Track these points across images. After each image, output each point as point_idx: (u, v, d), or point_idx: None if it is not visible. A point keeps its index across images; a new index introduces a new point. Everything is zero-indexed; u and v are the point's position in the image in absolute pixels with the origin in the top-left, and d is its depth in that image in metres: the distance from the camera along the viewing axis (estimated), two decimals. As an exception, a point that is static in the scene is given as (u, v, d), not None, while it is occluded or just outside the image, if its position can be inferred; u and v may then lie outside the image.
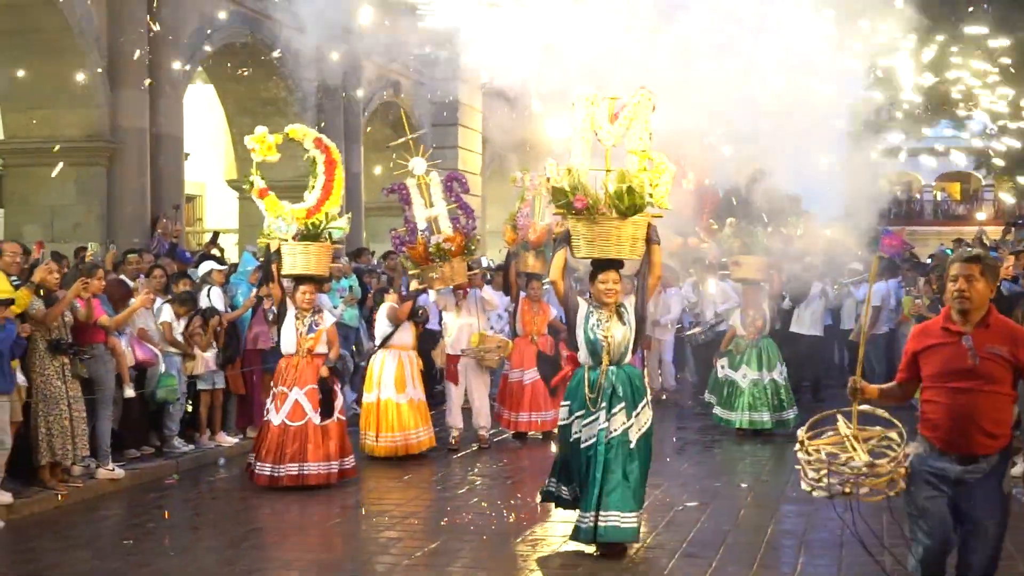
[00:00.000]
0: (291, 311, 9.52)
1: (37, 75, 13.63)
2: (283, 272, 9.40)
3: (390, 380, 10.78)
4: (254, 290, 11.55)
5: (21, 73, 13.54)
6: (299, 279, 9.48)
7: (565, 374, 7.15)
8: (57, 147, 13.45)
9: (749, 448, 11.29)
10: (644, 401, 6.63)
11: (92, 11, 12.72)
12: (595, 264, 6.75)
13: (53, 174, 13.66)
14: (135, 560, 6.98)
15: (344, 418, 9.80)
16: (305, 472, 9.13)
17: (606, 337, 6.57)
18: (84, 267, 9.77)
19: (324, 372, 9.43)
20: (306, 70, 15.71)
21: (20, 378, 8.49)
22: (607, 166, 6.65)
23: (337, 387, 9.78)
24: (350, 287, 13.40)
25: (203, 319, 10.74)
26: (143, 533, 7.86)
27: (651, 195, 6.55)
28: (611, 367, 6.59)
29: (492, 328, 12.22)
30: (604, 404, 6.50)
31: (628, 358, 6.74)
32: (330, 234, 9.52)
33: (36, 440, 8.72)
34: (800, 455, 4.74)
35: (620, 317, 6.65)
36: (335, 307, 12.97)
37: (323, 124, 17.16)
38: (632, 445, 6.47)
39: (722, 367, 12.27)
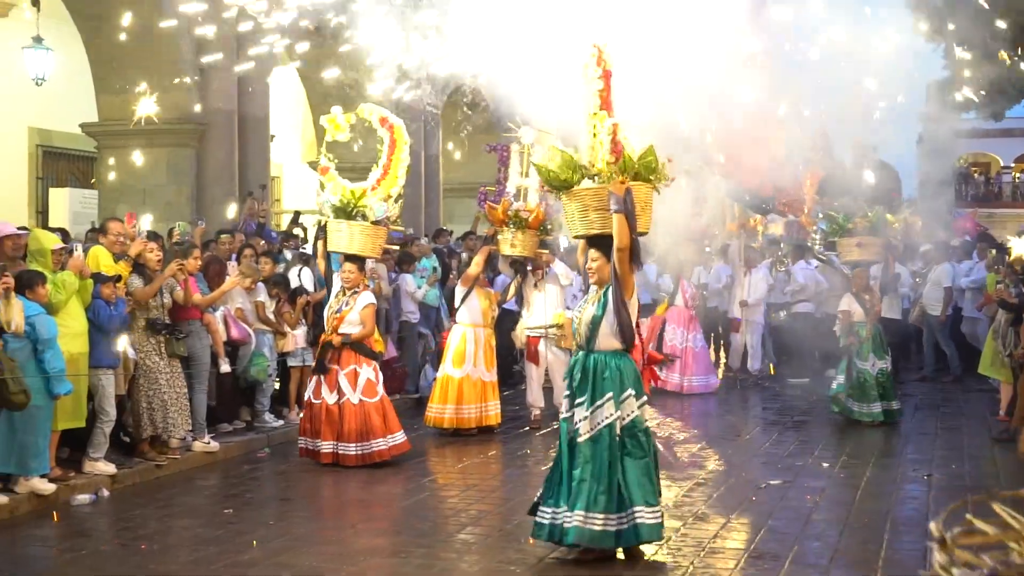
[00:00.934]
0: (335, 288, 9.72)
1: (130, 59, 13.96)
2: (328, 248, 9.67)
3: (450, 355, 11.06)
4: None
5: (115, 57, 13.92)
6: (346, 257, 9.60)
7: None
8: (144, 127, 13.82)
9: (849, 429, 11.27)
10: (608, 396, 6.12)
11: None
12: (588, 241, 6.46)
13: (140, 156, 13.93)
14: (235, 528, 7.31)
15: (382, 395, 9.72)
16: (340, 452, 9.25)
17: (579, 317, 6.35)
18: (180, 249, 10.17)
19: (335, 340, 9.38)
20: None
21: (131, 352, 8.86)
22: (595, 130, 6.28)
23: (361, 367, 9.55)
24: (433, 268, 13.63)
25: (291, 298, 11.13)
26: (241, 503, 8.18)
27: (591, 165, 6.30)
28: (580, 352, 6.36)
29: (568, 308, 11.92)
30: (568, 393, 6.34)
31: (600, 343, 6.21)
32: (364, 214, 9.49)
33: (138, 414, 9.17)
34: (938, 557, 4.46)
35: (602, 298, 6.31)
36: (419, 287, 13.39)
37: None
38: (580, 440, 6.09)
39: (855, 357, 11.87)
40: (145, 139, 13.89)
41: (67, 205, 14.66)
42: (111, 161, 14.35)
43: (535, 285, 11.45)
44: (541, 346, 11.34)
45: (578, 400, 6.16)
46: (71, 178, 16.77)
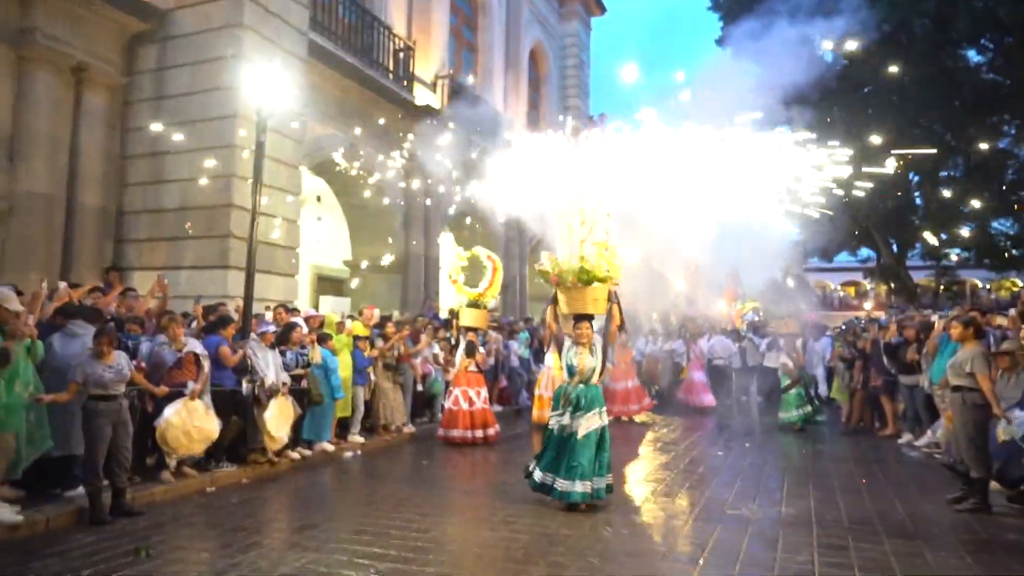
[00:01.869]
0: (462, 345, 9.82)
1: (368, 227, 14.76)
2: (460, 324, 9.92)
3: (543, 383, 11.04)
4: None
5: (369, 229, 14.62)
6: (468, 328, 9.83)
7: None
8: (377, 263, 14.35)
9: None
10: (596, 410, 6.05)
11: (399, 191, 13.70)
12: (575, 317, 6.28)
13: (361, 280, 14.89)
14: (429, 476, 7.89)
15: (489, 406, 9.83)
16: (476, 435, 9.33)
17: (579, 364, 6.14)
18: (413, 330, 10.74)
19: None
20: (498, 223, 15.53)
21: (372, 378, 9.56)
22: (581, 252, 6.21)
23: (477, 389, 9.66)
24: (526, 337, 13.86)
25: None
26: (427, 464, 8.37)
27: (608, 272, 6.15)
28: (579, 384, 6.11)
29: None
30: (570, 408, 6.06)
31: (595, 379, 6.17)
32: (484, 304, 9.93)
33: (377, 410, 9.71)
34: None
35: (591, 351, 6.17)
36: (519, 347, 13.59)
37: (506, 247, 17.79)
38: (579, 436, 5.93)
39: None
40: (377, 269, 14.44)
41: (331, 304, 14.67)
42: (354, 283, 14.34)
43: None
44: None
45: (576, 412, 6.00)
46: (332, 289, 17.69)
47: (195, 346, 6.99)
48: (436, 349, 11.18)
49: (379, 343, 9.81)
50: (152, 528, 5.44)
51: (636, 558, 4.80)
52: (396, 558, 4.69)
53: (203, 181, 9.64)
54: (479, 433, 9.38)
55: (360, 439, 9.21)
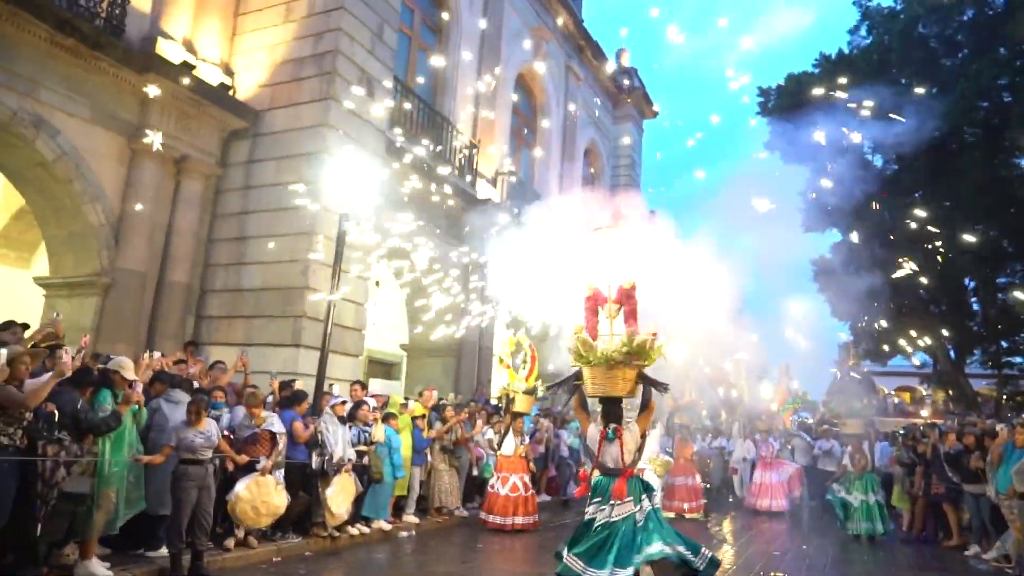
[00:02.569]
0: (511, 433, 10.02)
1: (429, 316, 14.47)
2: (513, 409, 10.12)
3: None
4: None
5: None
6: (518, 414, 10.14)
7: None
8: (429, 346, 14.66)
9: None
10: (629, 499, 5.22)
11: (459, 279, 14.07)
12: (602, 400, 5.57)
13: (424, 363, 15.52)
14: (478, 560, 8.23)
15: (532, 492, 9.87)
16: (515, 522, 9.38)
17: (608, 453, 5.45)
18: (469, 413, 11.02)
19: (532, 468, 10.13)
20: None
21: (430, 458, 9.89)
22: (611, 332, 5.59)
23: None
24: (576, 427, 13.43)
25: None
26: (481, 548, 8.63)
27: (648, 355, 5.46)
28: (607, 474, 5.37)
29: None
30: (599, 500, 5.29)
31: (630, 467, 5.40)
32: (535, 391, 10.40)
33: (432, 491, 9.93)
34: None
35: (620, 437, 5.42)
36: (569, 437, 13.55)
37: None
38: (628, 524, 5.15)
39: (838, 490, 10.79)
40: (433, 353, 14.83)
41: (380, 387, 14.12)
42: (413, 364, 15.02)
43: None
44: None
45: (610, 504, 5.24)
46: (381, 372, 17.01)
47: (274, 423, 7.37)
48: (490, 434, 11.36)
49: (437, 425, 10.10)
50: (230, 592, 5.69)
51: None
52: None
53: (280, 264, 10.36)
54: (518, 520, 9.42)
55: (415, 519, 9.41)
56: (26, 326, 6.51)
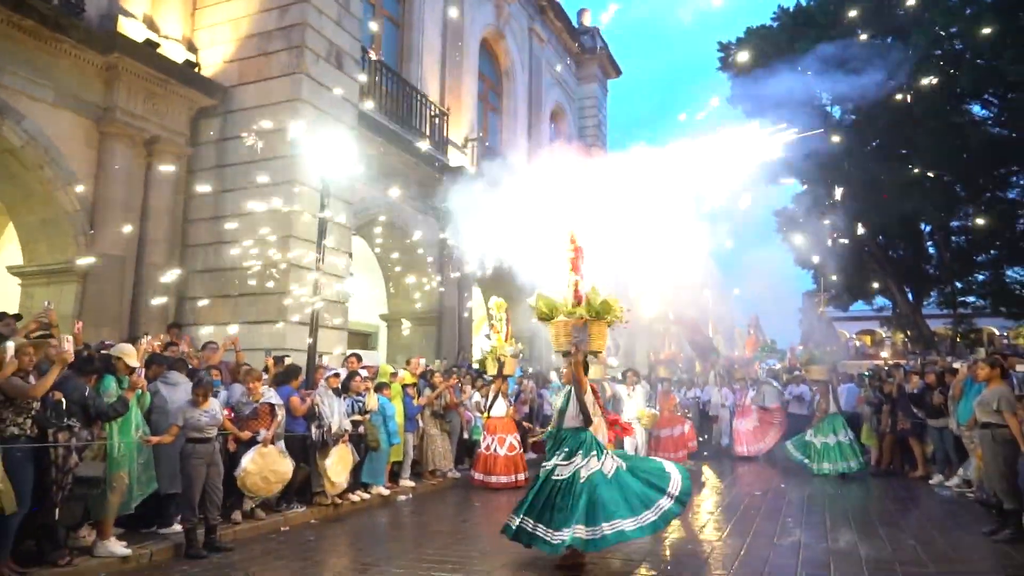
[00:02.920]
0: (501, 396, 10.42)
1: (404, 283, 14.95)
2: (504, 373, 10.47)
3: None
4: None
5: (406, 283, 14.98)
6: (504, 377, 10.50)
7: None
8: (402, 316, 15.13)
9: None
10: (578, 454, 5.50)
11: (435, 248, 14.44)
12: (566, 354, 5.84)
13: (407, 330, 15.31)
14: (476, 517, 8.45)
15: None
16: (518, 479, 9.79)
17: (554, 407, 5.90)
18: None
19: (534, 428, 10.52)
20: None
21: (420, 424, 10.11)
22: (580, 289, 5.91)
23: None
24: (558, 384, 14.48)
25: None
26: (478, 506, 9.05)
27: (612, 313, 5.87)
28: (555, 430, 5.81)
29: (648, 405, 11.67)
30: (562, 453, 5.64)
31: (567, 423, 5.71)
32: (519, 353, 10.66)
33: (425, 456, 10.19)
34: None
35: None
36: (551, 396, 13.35)
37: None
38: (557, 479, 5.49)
39: (809, 433, 11.40)
40: (415, 320, 15.12)
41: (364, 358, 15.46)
42: (392, 334, 15.29)
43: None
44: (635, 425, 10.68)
45: (556, 457, 5.58)
46: (359, 343, 16.92)
47: (271, 396, 7.55)
48: (477, 397, 11.66)
49: (427, 392, 10.31)
50: (245, 561, 5.93)
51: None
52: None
53: (260, 242, 10.37)
54: (520, 477, 9.85)
55: (411, 483, 9.70)
56: (19, 316, 6.51)
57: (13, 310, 7.75)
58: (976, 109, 21.43)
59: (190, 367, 7.63)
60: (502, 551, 5.94)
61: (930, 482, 10.03)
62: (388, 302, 15.48)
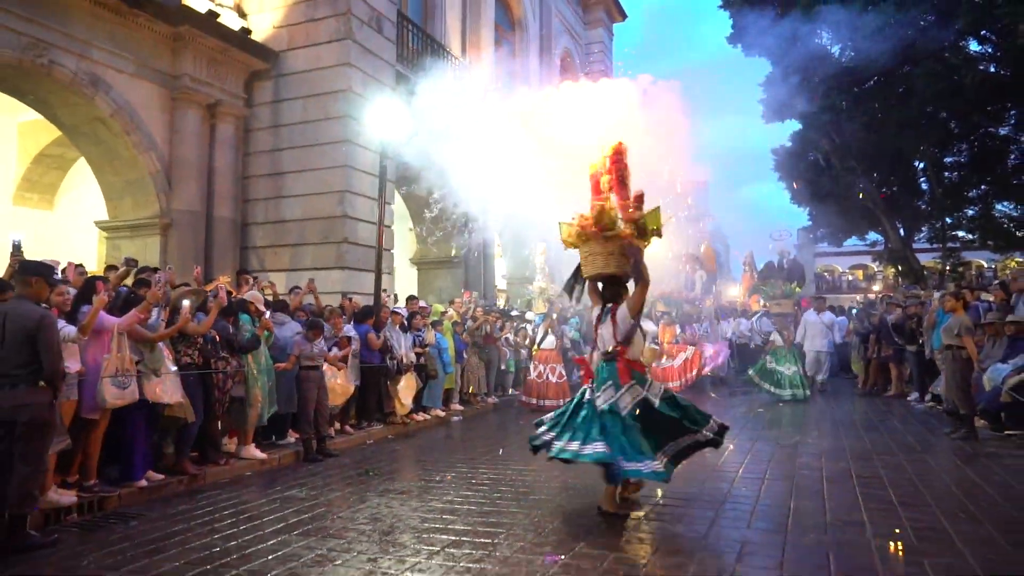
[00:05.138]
0: (551, 331, 11.45)
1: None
2: (556, 310, 11.99)
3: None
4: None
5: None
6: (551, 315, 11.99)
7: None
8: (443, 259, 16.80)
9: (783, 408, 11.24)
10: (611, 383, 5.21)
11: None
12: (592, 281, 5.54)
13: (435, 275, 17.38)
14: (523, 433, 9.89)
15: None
16: (553, 403, 10.30)
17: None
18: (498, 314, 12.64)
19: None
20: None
21: (465, 357, 12.04)
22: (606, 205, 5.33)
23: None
24: (577, 320, 14.86)
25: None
26: (516, 426, 10.21)
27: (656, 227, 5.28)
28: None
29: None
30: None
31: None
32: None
33: (467, 382, 11.60)
34: None
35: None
36: (570, 331, 15.71)
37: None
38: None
39: (769, 362, 12.14)
40: (440, 262, 16.24)
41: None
42: (425, 275, 16.34)
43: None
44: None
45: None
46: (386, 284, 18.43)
47: (349, 331, 9.02)
48: (510, 334, 13.14)
49: (469, 324, 11.76)
50: (354, 464, 7.47)
51: (715, 475, 6.84)
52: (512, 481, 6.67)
53: (315, 196, 11.68)
54: (563, 402, 11.24)
55: (460, 407, 11.24)
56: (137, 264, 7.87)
57: (92, 260, 9.14)
58: (973, 46, 22.16)
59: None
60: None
61: (908, 399, 11.68)
62: (416, 247, 16.81)
